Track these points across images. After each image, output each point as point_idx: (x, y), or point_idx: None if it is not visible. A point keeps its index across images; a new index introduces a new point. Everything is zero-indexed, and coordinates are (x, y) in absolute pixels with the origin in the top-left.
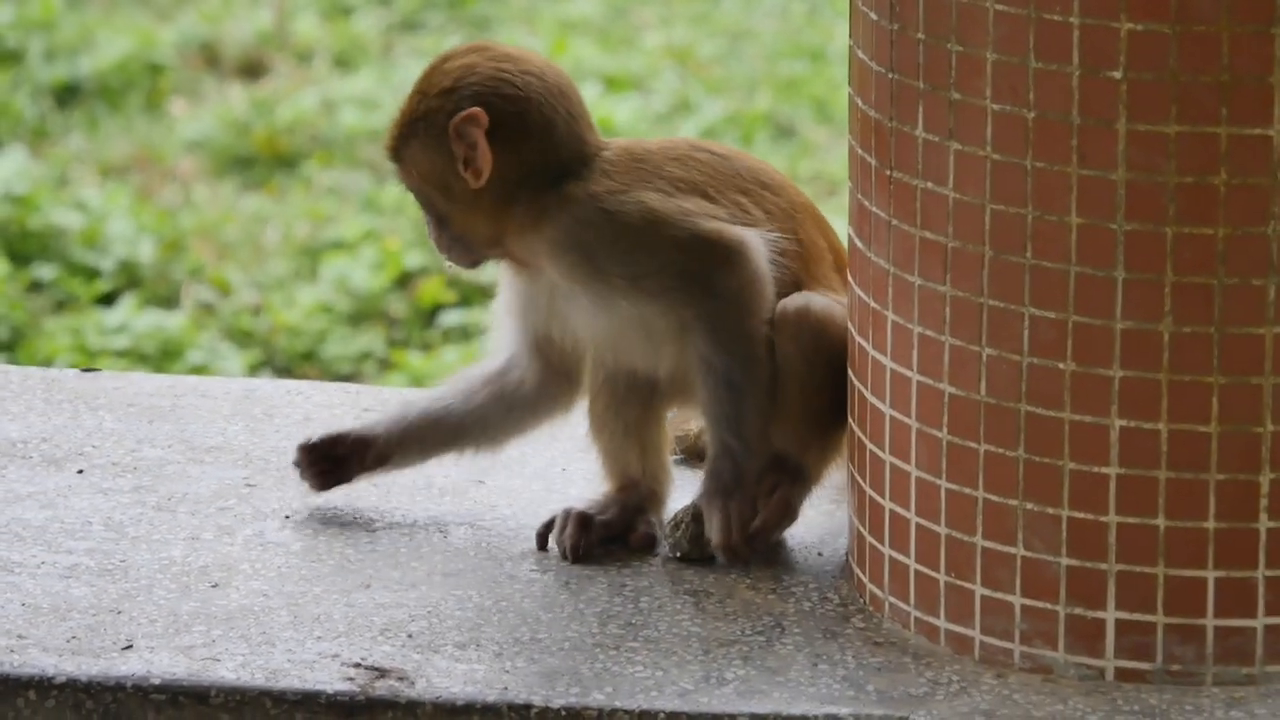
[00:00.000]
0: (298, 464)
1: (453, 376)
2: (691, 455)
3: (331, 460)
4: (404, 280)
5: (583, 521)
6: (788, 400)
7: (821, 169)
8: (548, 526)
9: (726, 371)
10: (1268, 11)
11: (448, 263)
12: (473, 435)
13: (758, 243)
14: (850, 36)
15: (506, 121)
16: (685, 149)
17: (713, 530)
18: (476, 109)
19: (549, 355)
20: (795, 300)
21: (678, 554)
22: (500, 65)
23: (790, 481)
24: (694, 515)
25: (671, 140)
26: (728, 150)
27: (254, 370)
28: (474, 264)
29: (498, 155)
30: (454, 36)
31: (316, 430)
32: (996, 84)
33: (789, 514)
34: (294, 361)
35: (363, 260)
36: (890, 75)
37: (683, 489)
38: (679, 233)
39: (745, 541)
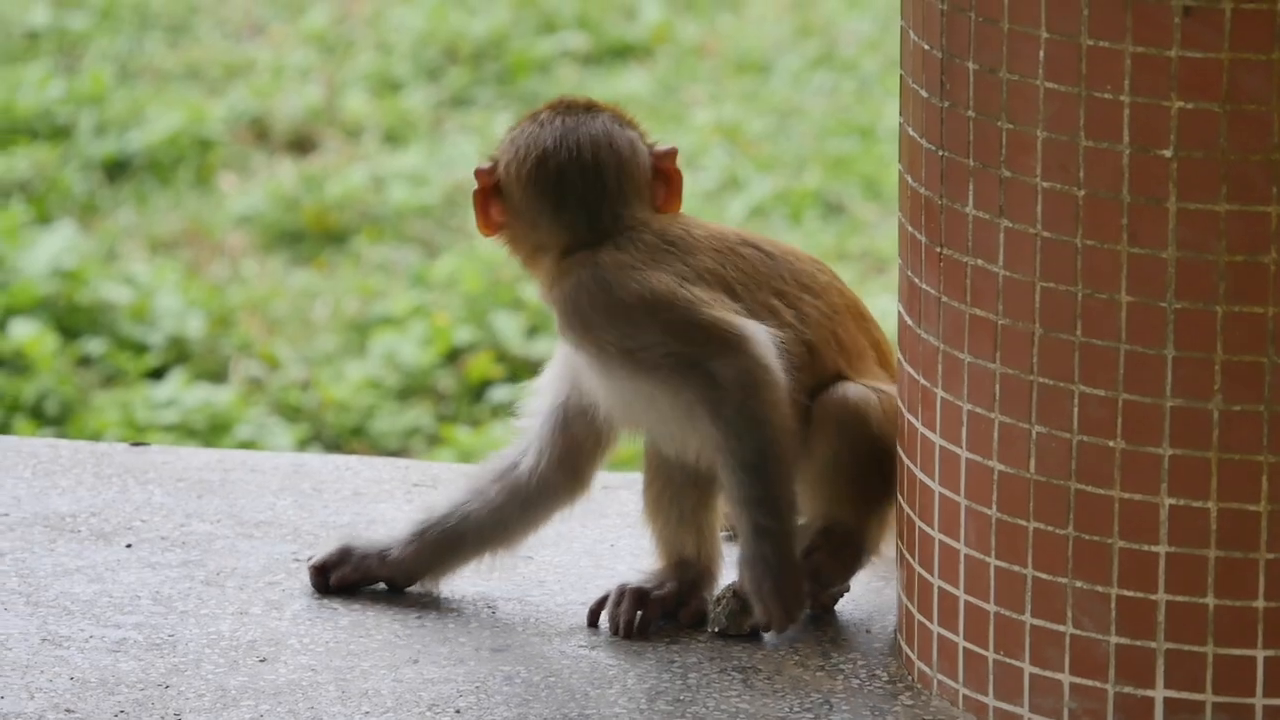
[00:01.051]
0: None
1: (460, 481)
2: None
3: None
4: (453, 356)
5: (639, 597)
6: (839, 485)
7: (870, 246)
8: (601, 603)
9: (740, 455)
10: None
11: None
12: (491, 539)
13: (761, 335)
14: (900, 114)
15: (522, 182)
16: (733, 242)
17: (771, 613)
18: (482, 169)
19: (569, 433)
20: (833, 392)
21: (716, 629)
22: (544, 129)
23: (846, 549)
24: (734, 592)
25: (724, 230)
26: (780, 249)
27: (303, 445)
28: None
29: (507, 213)
30: (504, 113)
31: (345, 549)
32: (1046, 162)
33: (843, 577)
34: (343, 437)
35: (412, 336)
36: (940, 153)
37: (731, 563)
38: (673, 317)
39: (795, 617)
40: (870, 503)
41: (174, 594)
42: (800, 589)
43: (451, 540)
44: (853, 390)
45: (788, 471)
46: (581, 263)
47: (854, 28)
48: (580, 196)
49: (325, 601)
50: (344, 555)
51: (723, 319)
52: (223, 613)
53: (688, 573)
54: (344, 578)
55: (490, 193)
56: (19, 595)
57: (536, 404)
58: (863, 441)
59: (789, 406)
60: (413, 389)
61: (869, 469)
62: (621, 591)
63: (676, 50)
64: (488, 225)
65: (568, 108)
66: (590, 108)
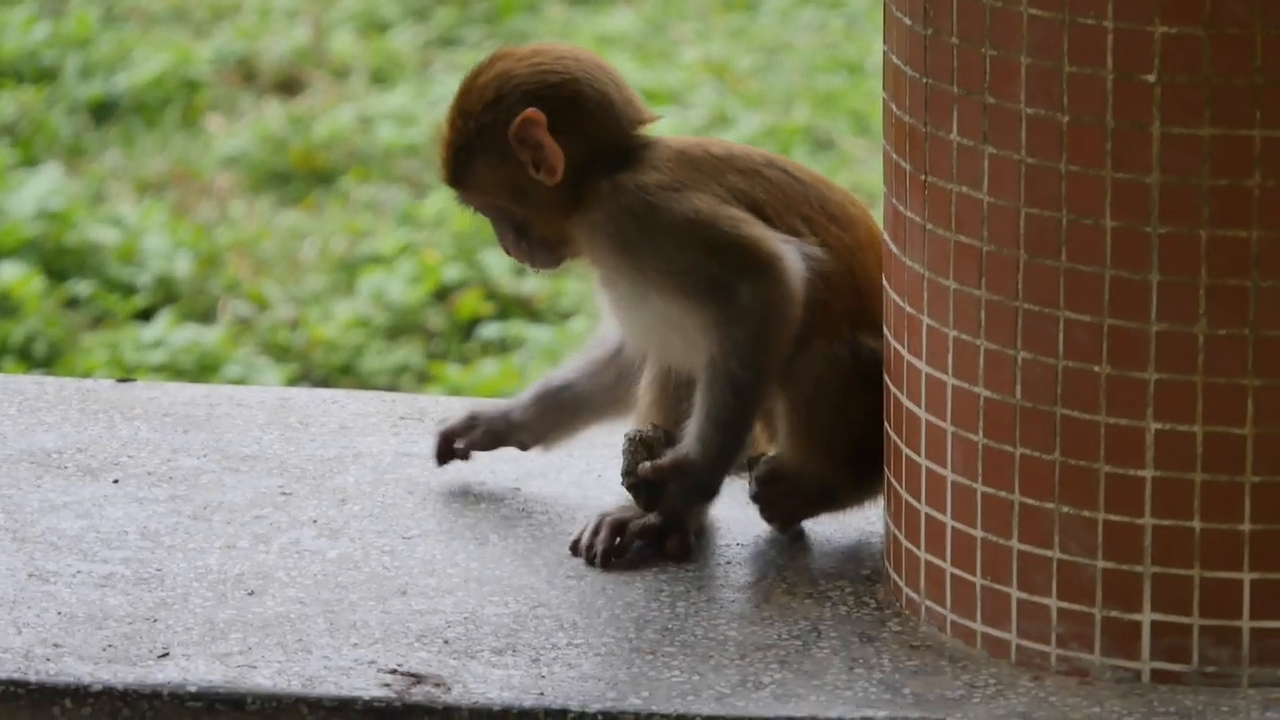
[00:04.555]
0: (435, 450)
1: (577, 355)
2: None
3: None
4: (442, 294)
5: (616, 528)
6: (822, 428)
7: (859, 181)
8: (583, 533)
9: (736, 379)
10: None
11: (532, 267)
12: (608, 410)
13: (795, 258)
14: (884, 42)
15: (562, 110)
16: (760, 163)
17: (663, 513)
18: (532, 110)
19: None
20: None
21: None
22: (534, 61)
23: (811, 500)
24: (643, 440)
25: (748, 150)
26: (808, 175)
27: (291, 384)
28: (558, 262)
29: (564, 146)
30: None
31: (473, 415)
32: (1031, 88)
33: (792, 521)
34: (331, 375)
35: (400, 274)
36: (924, 80)
37: (724, 497)
38: (718, 237)
39: (670, 532)
40: (854, 454)
41: (161, 529)
42: (684, 516)
43: (572, 407)
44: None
45: (761, 405)
46: (619, 186)
47: None
48: (618, 92)
49: (313, 534)
50: (472, 421)
51: (761, 239)
52: (210, 547)
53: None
54: (474, 441)
55: (549, 132)
56: (6, 531)
57: None
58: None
59: (790, 342)
60: (402, 327)
61: (857, 421)
62: (600, 521)
63: None
64: (558, 164)
65: (517, 51)
66: (528, 46)
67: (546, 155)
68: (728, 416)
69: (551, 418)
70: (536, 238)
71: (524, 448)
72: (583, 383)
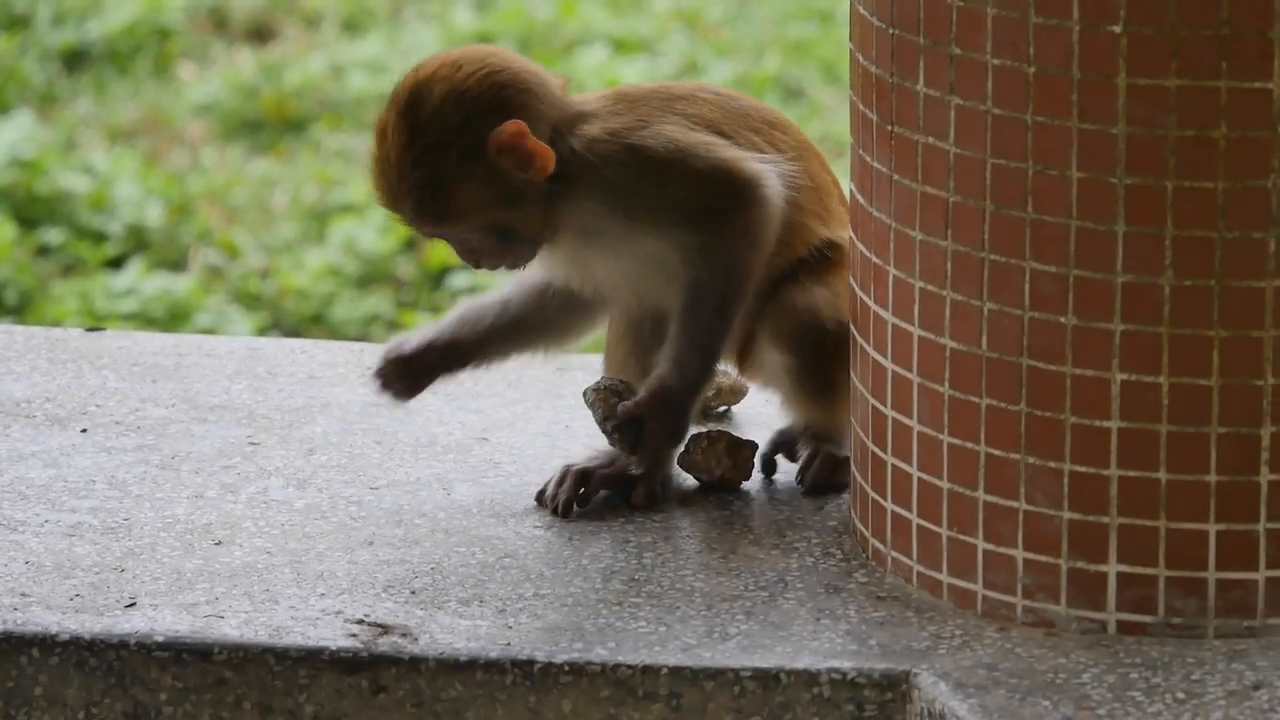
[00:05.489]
0: (381, 375)
1: (503, 284)
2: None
3: (418, 369)
4: (412, 243)
5: (581, 478)
6: (804, 385)
7: (829, 130)
8: (547, 484)
9: (724, 300)
10: None
11: (508, 269)
12: (544, 336)
13: (774, 176)
14: None
15: (523, 108)
16: (692, 89)
17: (638, 441)
18: (510, 122)
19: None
20: (787, 302)
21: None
22: (472, 71)
23: (823, 444)
24: (611, 390)
25: (670, 83)
26: (730, 91)
27: (262, 333)
28: (534, 255)
29: (539, 138)
30: (463, 1)
31: (407, 341)
32: (997, 39)
33: (839, 471)
34: (302, 324)
35: (371, 223)
36: (891, 30)
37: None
38: (701, 164)
39: (643, 461)
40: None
41: (129, 478)
42: (668, 448)
43: (503, 330)
44: (801, 299)
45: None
46: (592, 144)
47: None
48: (549, 94)
49: (280, 484)
50: (429, 347)
51: (739, 159)
52: (178, 496)
53: None
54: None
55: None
56: None
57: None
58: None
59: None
60: (372, 276)
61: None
62: (565, 472)
63: None
64: (549, 160)
65: (442, 64)
66: (446, 56)
67: (534, 156)
68: (709, 339)
69: (484, 337)
70: (525, 236)
71: (451, 372)
72: (517, 302)
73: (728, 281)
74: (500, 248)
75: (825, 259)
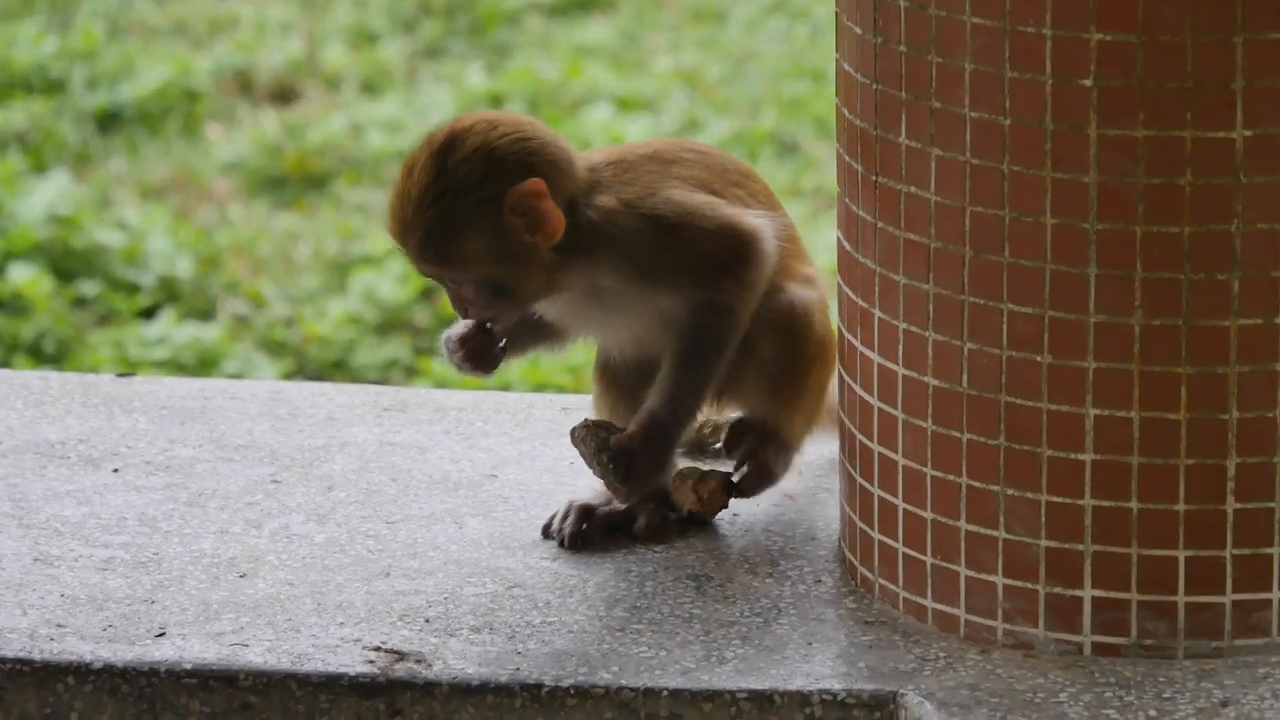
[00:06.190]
0: (455, 355)
1: None
2: (693, 448)
3: (479, 347)
4: (428, 292)
5: (585, 513)
6: (775, 378)
7: (823, 183)
8: (553, 518)
9: (718, 343)
10: (1229, 21)
11: (493, 324)
12: (550, 335)
13: (769, 230)
14: (837, 50)
15: (547, 173)
16: (676, 149)
17: (621, 478)
18: (531, 181)
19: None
20: (784, 299)
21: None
22: (505, 132)
23: (768, 445)
24: (599, 425)
25: (653, 143)
26: (705, 146)
27: (287, 379)
28: (514, 321)
29: (556, 204)
30: (475, 63)
31: (457, 326)
32: (974, 93)
33: (767, 475)
34: (325, 370)
35: (389, 273)
36: (874, 86)
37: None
38: (709, 223)
39: (635, 495)
40: (801, 397)
41: (158, 515)
42: (655, 478)
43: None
44: (798, 296)
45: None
46: (609, 216)
47: None
48: (571, 167)
49: (301, 520)
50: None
51: (737, 217)
52: (205, 532)
53: None
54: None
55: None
56: (12, 518)
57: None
58: (807, 344)
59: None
60: (390, 324)
61: (808, 366)
62: (569, 507)
63: (637, 1)
64: (558, 227)
65: (480, 121)
66: (483, 116)
67: (546, 220)
68: (702, 379)
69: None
70: (516, 298)
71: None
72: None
73: (725, 326)
74: (490, 302)
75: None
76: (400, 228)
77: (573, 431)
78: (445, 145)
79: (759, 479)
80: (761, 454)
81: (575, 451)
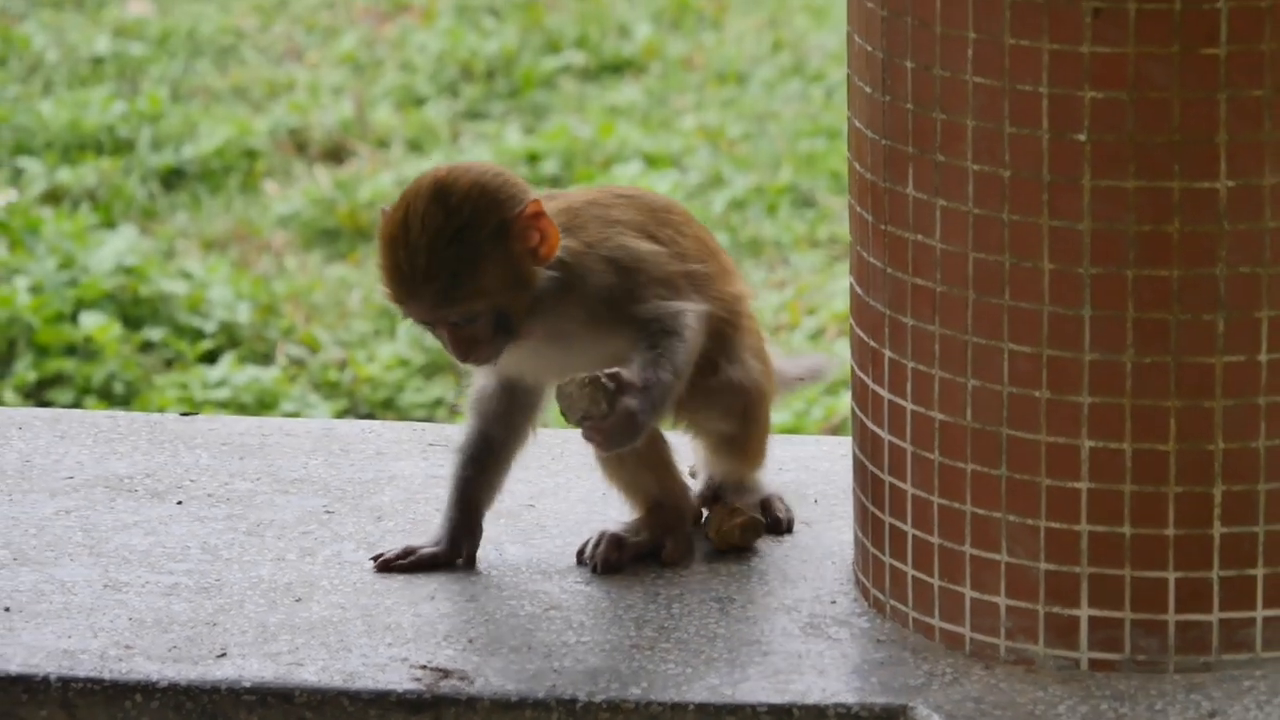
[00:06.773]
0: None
1: (470, 411)
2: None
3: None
4: None
5: (616, 542)
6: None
7: (838, 234)
8: (586, 544)
9: (677, 342)
10: (1213, 80)
11: (489, 363)
12: (526, 442)
13: (698, 305)
14: (849, 109)
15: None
16: (608, 196)
17: (608, 426)
18: (531, 200)
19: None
20: (733, 380)
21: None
22: (484, 170)
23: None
24: (593, 381)
25: (587, 191)
26: (630, 190)
27: (340, 417)
28: (501, 353)
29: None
30: (514, 123)
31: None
32: (976, 147)
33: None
34: (375, 409)
35: None
36: (883, 141)
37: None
38: (658, 272)
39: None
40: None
41: (220, 544)
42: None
43: (497, 469)
44: (743, 376)
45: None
46: (575, 257)
47: (821, 42)
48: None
49: (352, 548)
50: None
51: (678, 275)
52: (262, 559)
53: (660, 517)
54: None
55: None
56: (84, 547)
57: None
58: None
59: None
60: (437, 365)
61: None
62: (601, 535)
63: (665, 64)
64: (556, 241)
65: (455, 170)
66: (449, 168)
67: (549, 235)
68: (669, 374)
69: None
70: (512, 325)
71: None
72: (496, 438)
73: (680, 337)
74: (494, 337)
75: (738, 318)
76: (411, 283)
77: (560, 387)
78: (439, 191)
79: (787, 517)
80: (748, 511)
81: (607, 485)
